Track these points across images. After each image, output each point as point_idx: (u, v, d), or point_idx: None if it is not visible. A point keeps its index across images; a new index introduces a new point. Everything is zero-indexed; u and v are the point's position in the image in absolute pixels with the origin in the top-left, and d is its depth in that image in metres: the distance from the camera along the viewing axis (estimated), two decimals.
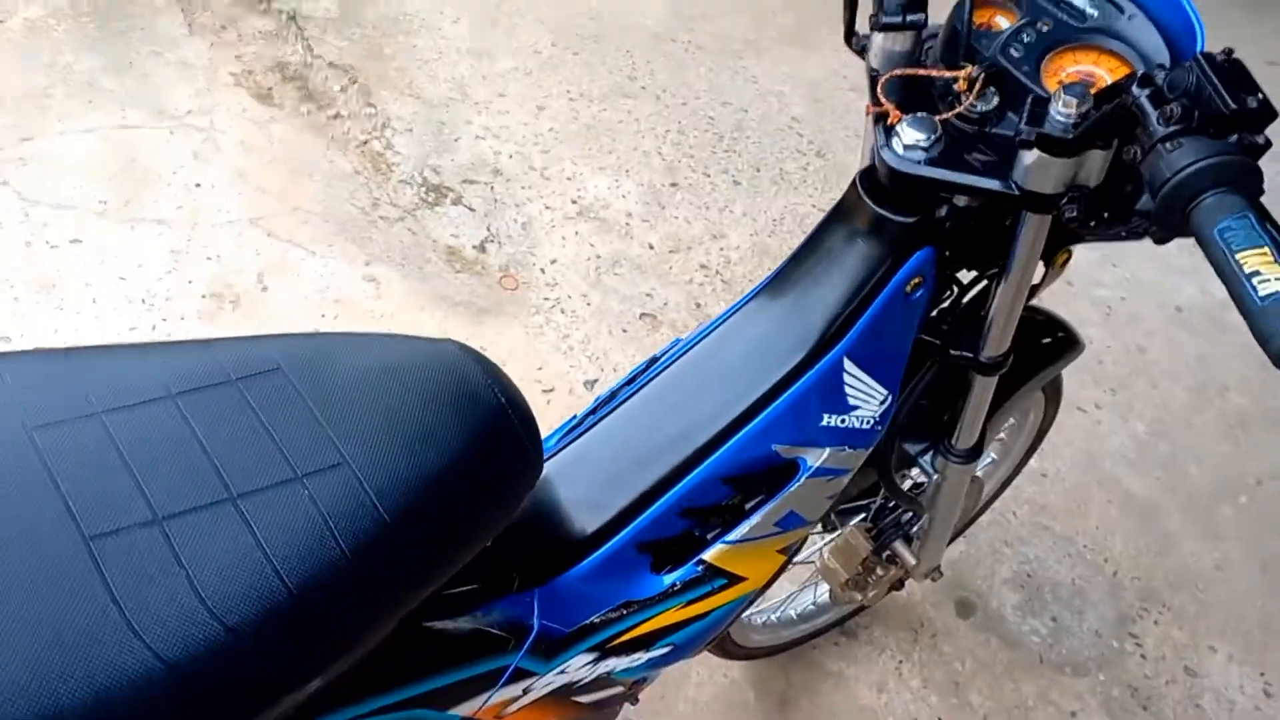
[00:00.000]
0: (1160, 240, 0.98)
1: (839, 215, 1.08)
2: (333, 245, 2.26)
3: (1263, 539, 2.14)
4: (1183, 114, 0.80)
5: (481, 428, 0.83)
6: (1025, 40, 1.01)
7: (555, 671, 1.04)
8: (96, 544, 0.67)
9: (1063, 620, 2.01)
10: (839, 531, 1.56)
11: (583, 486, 1.09)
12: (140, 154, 2.33)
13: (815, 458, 1.10)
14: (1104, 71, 0.98)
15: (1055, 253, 1.11)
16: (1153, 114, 0.82)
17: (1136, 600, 2.03)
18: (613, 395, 1.16)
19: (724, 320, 1.13)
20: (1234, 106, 0.79)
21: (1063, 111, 0.87)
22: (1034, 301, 1.25)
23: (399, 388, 0.82)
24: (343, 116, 2.61)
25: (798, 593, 1.82)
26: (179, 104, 2.49)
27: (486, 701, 0.98)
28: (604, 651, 1.09)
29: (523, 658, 1.00)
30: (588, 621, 1.06)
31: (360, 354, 0.84)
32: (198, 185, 2.30)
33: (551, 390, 2.14)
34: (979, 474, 1.68)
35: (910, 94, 1.02)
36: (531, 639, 1.00)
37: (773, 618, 1.77)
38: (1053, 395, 1.68)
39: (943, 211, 1.05)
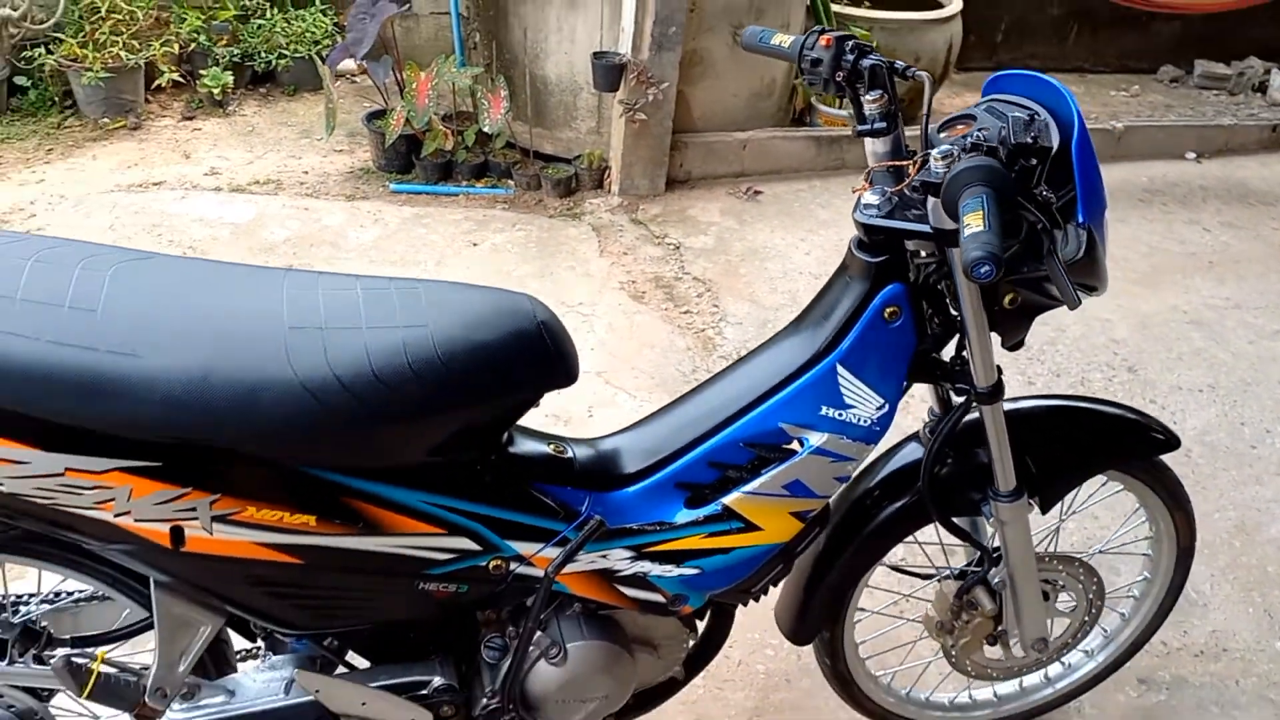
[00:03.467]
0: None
1: (840, 268, 1.49)
2: (651, 393, 2.87)
3: None
4: (973, 146, 1.20)
5: (517, 333, 1.32)
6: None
7: (598, 554, 1.46)
8: (291, 331, 1.27)
9: None
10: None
11: (646, 441, 1.53)
12: None
13: (816, 439, 1.46)
14: None
15: (999, 292, 1.41)
16: (959, 148, 1.22)
17: None
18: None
19: (761, 345, 1.56)
20: (1014, 142, 1.19)
21: (936, 162, 1.27)
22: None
23: (479, 300, 1.35)
24: (692, 313, 3.29)
25: (938, 685, 1.98)
26: (575, 298, 3.33)
27: (538, 552, 1.42)
28: (639, 553, 1.47)
29: (570, 530, 1.44)
30: (626, 526, 1.47)
31: (470, 288, 1.40)
32: None
33: None
34: (1091, 564, 1.81)
35: (900, 177, 1.45)
36: (579, 520, 1.44)
37: (904, 691, 1.94)
38: (1176, 507, 1.78)
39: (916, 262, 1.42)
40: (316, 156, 4.25)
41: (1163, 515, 1.81)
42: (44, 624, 1.38)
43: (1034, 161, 1.23)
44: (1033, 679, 2.01)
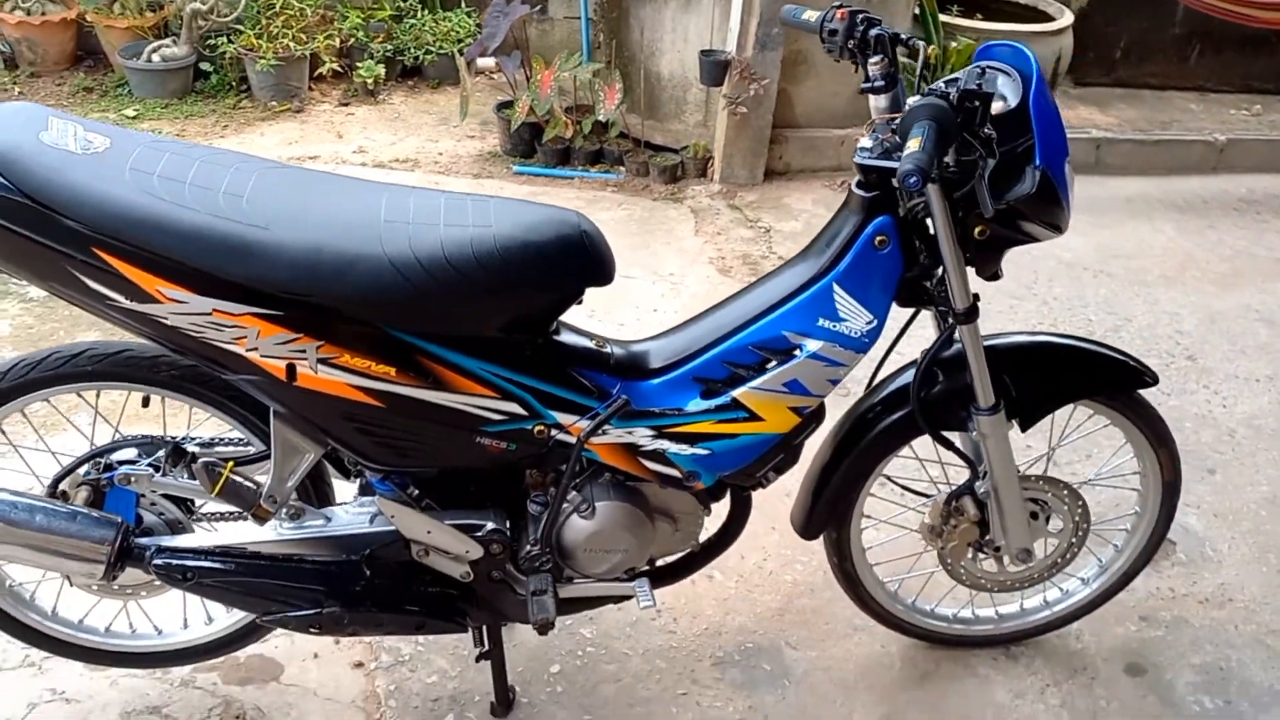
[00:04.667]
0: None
1: (842, 204, 1.77)
2: None
3: None
4: (930, 91, 1.48)
5: (564, 238, 1.64)
6: None
7: (624, 430, 1.76)
8: (385, 224, 1.62)
9: (1238, 706, 2.09)
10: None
11: (671, 345, 1.83)
12: (628, 292, 3.49)
13: (813, 345, 1.74)
14: None
15: (970, 225, 1.67)
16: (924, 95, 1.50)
17: None
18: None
19: (775, 269, 1.84)
20: (960, 87, 1.47)
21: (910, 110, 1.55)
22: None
23: (536, 211, 1.67)
24: None
25: (942, 599, 2.21)
26: (667, 268, 3.66)
27: (574, 423, 1.74)
28: (659, 433, 1.77)
29: (601, 407, 1.75)
30: (649, 409, 1.78)
31: (531, 203, 1.73)
32: (654, 310, 3.38)
33: None
34: (1077, 489, 2.02)
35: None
36: (610, 400, 1.75)
37: (910, 600, 2.19)
38: (1160, 444, 1.98)
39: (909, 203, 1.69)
40: (451, 141, 4.71)
41: (1147, 451, 2.01)
42: (190, 449, 1.78)
43: (978, 104, 1.50)
44: (1032, 601, 2.23)
